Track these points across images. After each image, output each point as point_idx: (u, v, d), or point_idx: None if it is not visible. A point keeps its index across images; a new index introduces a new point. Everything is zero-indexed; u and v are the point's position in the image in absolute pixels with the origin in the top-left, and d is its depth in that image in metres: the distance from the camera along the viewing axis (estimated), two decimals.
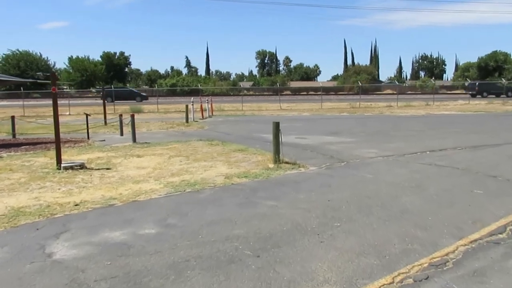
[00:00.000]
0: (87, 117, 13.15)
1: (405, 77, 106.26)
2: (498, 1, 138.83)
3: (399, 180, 6.64)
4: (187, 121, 19.10)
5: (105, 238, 4.21)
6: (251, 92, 73.19)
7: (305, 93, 69.96)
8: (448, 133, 14.09)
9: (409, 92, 65.00)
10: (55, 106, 8.36)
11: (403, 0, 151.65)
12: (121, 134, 14.25)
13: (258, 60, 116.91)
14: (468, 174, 7.18)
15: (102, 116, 19.11)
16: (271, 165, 7.97)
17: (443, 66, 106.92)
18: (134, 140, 11.96)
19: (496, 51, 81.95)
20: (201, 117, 22.19)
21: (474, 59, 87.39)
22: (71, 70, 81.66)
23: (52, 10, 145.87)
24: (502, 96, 45.24)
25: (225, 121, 20.67)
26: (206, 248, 3.87)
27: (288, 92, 72.50)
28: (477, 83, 50.29)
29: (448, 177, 6.91)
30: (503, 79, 57.07)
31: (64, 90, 78.55)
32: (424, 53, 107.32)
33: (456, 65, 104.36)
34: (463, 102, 35.98)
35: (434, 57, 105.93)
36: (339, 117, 22.25)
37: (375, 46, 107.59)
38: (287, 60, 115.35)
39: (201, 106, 22.59)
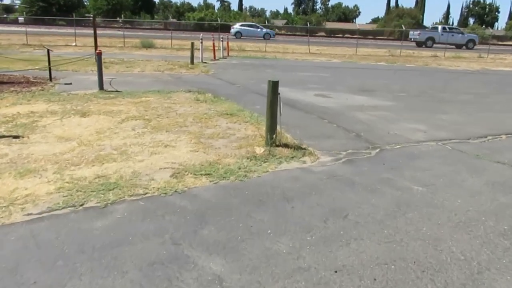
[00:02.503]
0: (48, 53, 10.32)
1: (451, 23, 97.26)
2: None
3: (478, 213, 3.62)
4: (192, 62, 16.04)
5: None
6: (282, 31, 68.32)
7: (340, 35, 64.48)
8: None
9: None
10: None
11: None
12: None
13: None
14: None
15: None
16: (260, 150, 5.07)
17: (496, 13, 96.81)
18: (100, 87, 9.15)
19: None
20: (212, 58, 19.04)
21: None
22: None
23: None
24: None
25: (238, 64, 17.49)
26: None
27: (323, 34, 67.22)
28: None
29: None
30: None
31: (90, 18, 75.76)
32: None
33: (511, 13, 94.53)
34: None
35: (488, 3, 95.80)
36: (376, 68, 18.63)
37: None
38: None
39: (213, 44, 19.31)
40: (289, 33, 65.62)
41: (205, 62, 17.17)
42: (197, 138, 5.55)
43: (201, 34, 18.35)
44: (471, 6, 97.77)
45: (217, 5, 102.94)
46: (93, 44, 26.58)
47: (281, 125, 5.94)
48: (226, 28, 64.25)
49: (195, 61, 16.71)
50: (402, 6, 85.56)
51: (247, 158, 4.78)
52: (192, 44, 16.15)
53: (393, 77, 15.32)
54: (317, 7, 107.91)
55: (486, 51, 31.65)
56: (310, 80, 13.00)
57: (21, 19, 63.67)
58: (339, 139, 5.92)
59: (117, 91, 9.15)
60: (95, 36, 15.69)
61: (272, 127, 5.16)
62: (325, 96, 9.93)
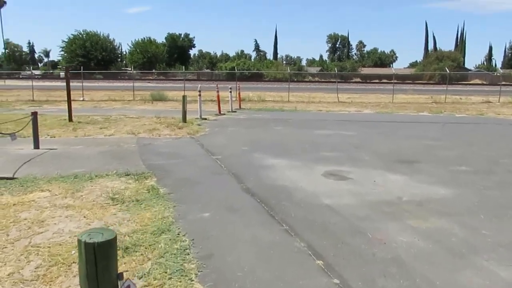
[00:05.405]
0: None
1: (494, 65, 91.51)
2: None
3: None
4: (184, 120, 12.95)
5: None
6: (316, 78, 65.76)
7: (376, 81, 60.95)
8: None
9: (504, 83, 53.60)
10: None
11: None
12: (36, 146, 8.44)
13: (329, 45, 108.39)
14: None
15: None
16: None
17: None
18: None
19: None
20: (218, 112, 15.95)
21: None
22: (136, 52, 79.93)
23: None
24: None
25: (244, 120, 14.24)
26: None
27: (358, 79, 64.03)
28: None
29: None
30: None
31: (128, 71, 76.95)
32: None
33: None
34: None
35: None
36: (417, 120, 14.81)
37: (463, 30, 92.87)
38: (361, 44, 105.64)
39: (218, 96, 16.24)
40: (322, 80, 62.85)
41: (204, 118, 14.07)
42: None
43: (199, 85, 15.34)
44: None
45: (253, 54, 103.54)
46: (102, 98, 24.29)
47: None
48: (258, 77, 62.47)
49: (195, 116, 13.78)
50: (441, 49, 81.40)
51: None
52: (184, 97, 13.10)
53: (442, 133, 11.49)
54: (352, 53, 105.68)
55: None
56: (326, 142, 9.46)
57: (62, 74, 65.10)
58: None
59: (13, 178, 5.97)
60: (68, 89, 13.01)
61: None
62: (340, 175, 6.33)
